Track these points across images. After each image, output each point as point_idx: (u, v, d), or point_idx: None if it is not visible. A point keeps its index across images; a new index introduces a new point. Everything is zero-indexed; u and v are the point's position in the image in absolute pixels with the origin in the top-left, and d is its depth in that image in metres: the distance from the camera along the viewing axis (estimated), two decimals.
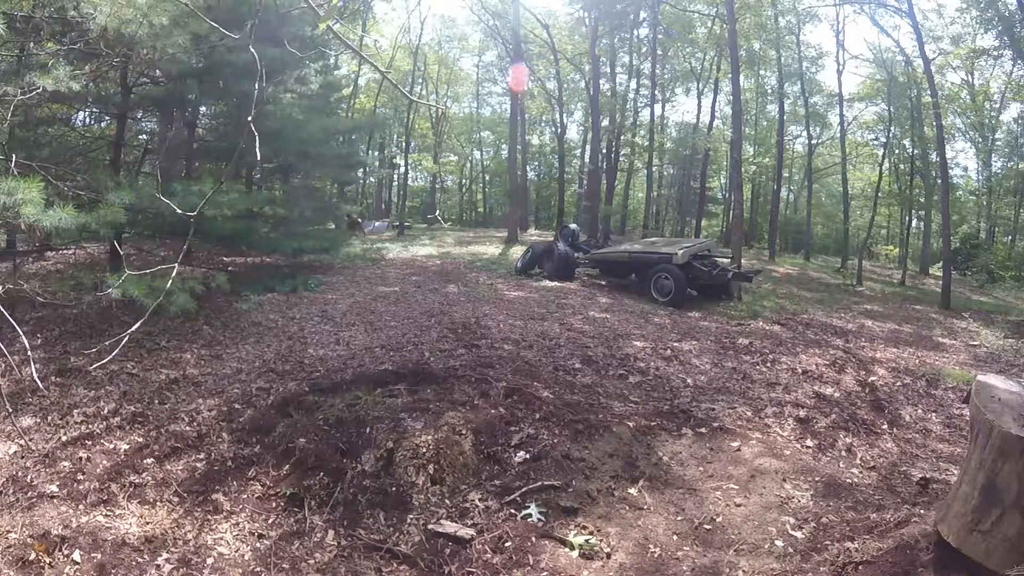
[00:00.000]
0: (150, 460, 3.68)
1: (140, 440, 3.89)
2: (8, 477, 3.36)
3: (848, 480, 3.82)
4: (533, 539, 3.10)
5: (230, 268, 8.51)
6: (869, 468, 4.04)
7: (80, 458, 3.60)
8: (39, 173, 4.12)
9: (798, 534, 3.17)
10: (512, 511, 3.34)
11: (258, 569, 2.93)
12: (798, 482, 3.72)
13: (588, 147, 25.80)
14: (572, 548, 3.02)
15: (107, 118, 8.16)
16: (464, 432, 3.87)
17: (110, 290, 3.71)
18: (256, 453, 3.82)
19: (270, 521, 3.27)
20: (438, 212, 27.71)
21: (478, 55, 29.53)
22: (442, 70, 29.03)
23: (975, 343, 8.58)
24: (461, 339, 6.03)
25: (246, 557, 2.99)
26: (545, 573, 2.88)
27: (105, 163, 7.02)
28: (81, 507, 3.18)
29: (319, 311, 7.05)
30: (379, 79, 20.48)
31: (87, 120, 8.82)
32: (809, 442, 4.37)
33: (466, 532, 3.18)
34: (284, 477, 3.61)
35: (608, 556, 2.98)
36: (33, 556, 2.76)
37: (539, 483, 3.55)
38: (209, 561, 2.94)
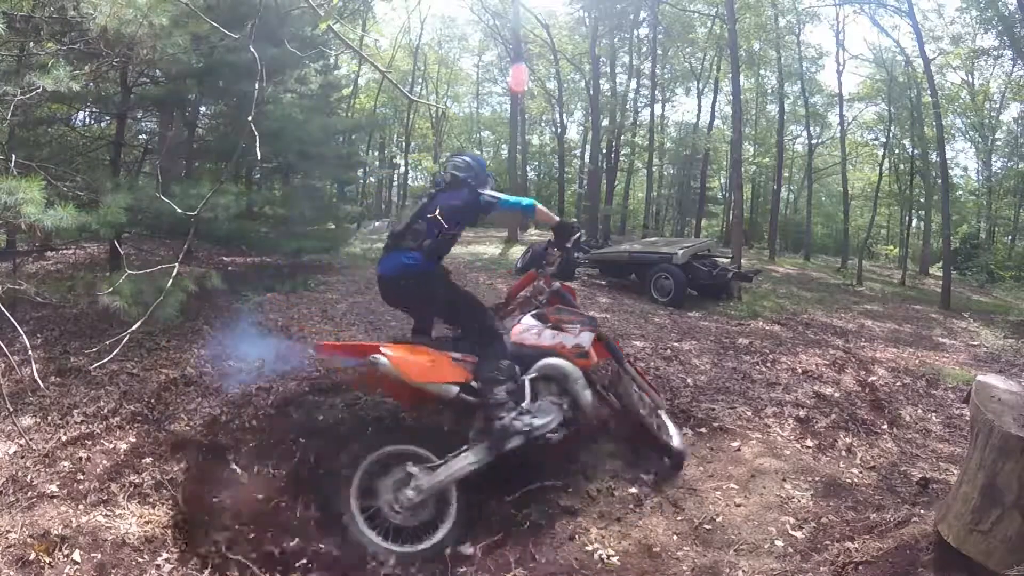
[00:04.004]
0: (149, 459, 3.68)
1: (140, 440, 3.89)
2: (8, 477, 3.36)
3: (848, 480, 3.82)
4: (533, 539, 3.10)
5: (230, 268, 8.51)
6: (869, 468, 4.04)
7: (80, 458, 3.60)
8: (39, 173, 4.12)
9: (798, 534, 3.18)
10: (512, 511, 3.34)
11: (259, 567, 2.93)
12: (798, 482, 3.72)
13: (588, 147, 25.79)
14: (574, 547, 3.02)
15: (107, 118, 8.14)
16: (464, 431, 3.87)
17: (109, 290, 3.71)
18: (256, 452, 3.81)
19: (270, 520, 3.27)
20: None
21: (478, 55, 29.52)
22: (442, 70, 29.01)
23: (975, 343, 8.58)
24: None
25: (247, 556, 2.99)
26: (545, 573, 2.88)
27: (105, 163, 7.00)
28: (81, 507, 3.18)
29: (319, 311, 7.04)
30: (379, 79, 20.48)
31: (87, 120, 8.80)
32: (809, 442, 4.37)
33: (467, 532, 3.18)
34: (284, 476, 3.61)
35: (608, 556, 2.98)
36: (33, 556, 2.76)
37: (539, 483, 3.55)
38: (210, 561, 2.94)
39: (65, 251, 8.09)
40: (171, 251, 7.83)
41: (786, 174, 27.08)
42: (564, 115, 27.68)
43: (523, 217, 4.26)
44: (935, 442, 4.59)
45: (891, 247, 25.42)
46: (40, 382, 4.11)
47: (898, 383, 5.85)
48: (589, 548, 3.01)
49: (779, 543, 3.11)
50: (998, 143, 22.74)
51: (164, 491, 3.38)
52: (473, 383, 3.09)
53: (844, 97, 21.56)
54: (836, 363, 6.14)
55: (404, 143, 26.95)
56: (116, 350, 1.93)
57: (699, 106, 25.54)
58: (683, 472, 3.81)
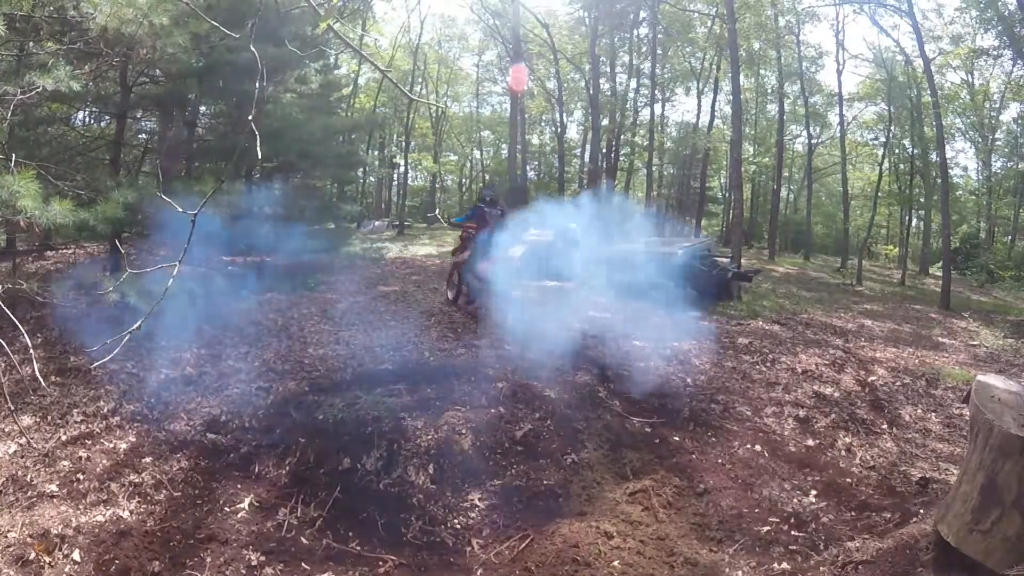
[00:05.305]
0: (149, 459, 3.68)
1: (139, 439, 3.89)
2: (8, 476, 3.36)
3: (848, 480, 3.82)
4: (534, 538, 3.11)
5: (230, 268, 8.51)
6: (869, 468, 4.04)
7: (80, 457, 3.61)
8: (39, 172, 4.12)
9: (798, 534, 3.18)
10: (513, 510, 3.35)
11: (259, 566, 2.93)
12: (798, 482, 3.73)
13: (588, 147, 25.77)
14: (573, 546, 3.02)
15: (107, 118, 8.13)
16: (464, 431, 3.88)
17: (110, 288, 3.71)
18: (256, 452, 3.82)
19: (270, 520, 3.27)
20: (437, 211, 27.63)
21: (478, 54, 29.46)
22: (442, 69, 28.96)
23: (975, 343, 8.58)
24: (461, 339, 6.03)
25: (247, 555, 3.00)
26: (546, 570, 2.88)
27: (105, 163, 7.00)
28: (81, 506, 3.18)
29: (319, 311, 7.04)
30: (379, 78, 20.46)
31: (87, 119, 8.79)
32: (809, 442, 4.37)
33: (466, 532, 3.18)
34: (284, 476, 3.61)
35: (608, 555, 2.98)
36: (33, 555, 2.76)
37: (540, 482, 3.56)
38: (209, 560, 2.94)
39: (65, 250, 8.09)
40: (171, 251, 7.81)
41: (786, 174, 27.04)
42: (564, 115, 27.64)
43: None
44: (935, 442, 4.59)
45: (891, 247, 25.38)
46: (41, 381, 4.11)
47: (898, 383, 5.84)
48: (590, 546, 3.01)
49: (779, 542, 3.11)
50: (998, 143, 22.71)
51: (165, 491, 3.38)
52: None
53: (844, 97, 21.54)
54: (836, 363, 6.14)
55: (404, 143, 26.90)
56: (116, 350, 1.93)
57: (699, 106, 25.50)
58: (683, 471, 3.81)
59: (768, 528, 3.24)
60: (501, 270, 6.51)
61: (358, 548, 3.12)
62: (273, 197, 8.92)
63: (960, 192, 23.47)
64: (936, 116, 13.64)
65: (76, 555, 2.82)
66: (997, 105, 21.81)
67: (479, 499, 3.44)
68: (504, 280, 6.33)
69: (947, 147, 17.80)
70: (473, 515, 3.35)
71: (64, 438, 3.81)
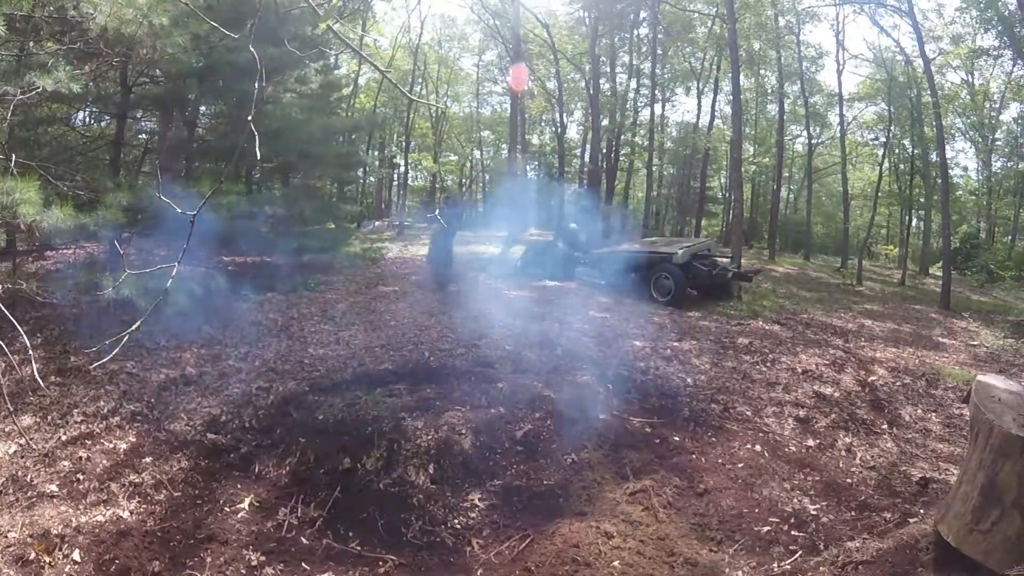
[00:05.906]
0: (149, 459, 3.69)
1: (140, 439, 3.89)
2: (8, 476, 3.36)
3: (848, 480, 3.82)
4: (534, 538, 3.11)
5: (230, 268, 8.51)
6: (869, 468, 4.04)
7: (80, 457, 3.61)
8: (38, 173, 4.12)
9: (798, 534, 3.18)
10: (513, 510, 3.34)
11: (259, 566, 2.93)
12: (798, 482, 3.73)
13: (588, 147, 25.81)
14: (573, 546, 3.02)
15: (107, 118, 8.15)
16: (464, 431, 3.88)
17: (110, 288, 3.71)
18: (256, 452, 3.82)
19: (270, 520, 3.27)
20: (437, 212, 27.64)
21: (478, 55, 29.49)
22: (442, 70, 28.98)
23: (975, 343, 8.57)
24: (461, 338, 6.03)
25: (247, 555, 2.99)
26: (546, 570, 2.88)
27: (105, 163, 7.01)
28: (81, 506, 3.18)
29: (319, 311, 7.04)
30: (379, 78, 20.47)
31: (87, 120, 8.80)
32: (809, 442, 4.37)
33: (466, 532, 3.18)
34: (284, 476, 3.61)
35: (608, 555, 2.98)
36: (33, 556, 2.76)
37: (540, 482, 3.56)
38: (209, 560, 2.94)
39: (65, 250, 8.09)
40: (171, 251, 7.81)
41: (786, 174, 27.04)
42: (564, 115, 27.69)
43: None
44: (935, 442, 4.59)
45: (891, 247, 25.40)
46: (40, 381, 4.12)
47: (898, 383, 5.84)
48: (589, 547, 3.01)
49: (779, 542, 3.11)
50: (998, 143, 22.72)
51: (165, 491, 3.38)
52: None
53: (844, 97, 21.53)
54: (836, 363, 6.14)
55: (404, 143, 26.93)
56: (116, 350, 1.93)
57: (699, 106, 25.51)
58: (683, 471, 3.81)
59: (768, 528, 3.24)
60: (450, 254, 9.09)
61: (358, 548, 3.12)
62: (273, 197, 8.93)
63: (960, 192, 23.49)
64: (936, 116, 13.63)
65: (76, 555, 2.82)
66: (997, 105, 21.83)
67: (479, 499, 3.44)
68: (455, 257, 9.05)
69: (947, 147, 17.82)
70: (473, 515, 3.35)
71: (64, 438, 3.81)
